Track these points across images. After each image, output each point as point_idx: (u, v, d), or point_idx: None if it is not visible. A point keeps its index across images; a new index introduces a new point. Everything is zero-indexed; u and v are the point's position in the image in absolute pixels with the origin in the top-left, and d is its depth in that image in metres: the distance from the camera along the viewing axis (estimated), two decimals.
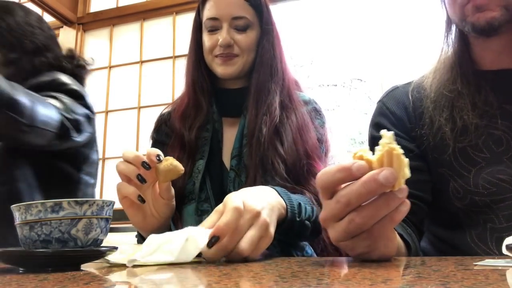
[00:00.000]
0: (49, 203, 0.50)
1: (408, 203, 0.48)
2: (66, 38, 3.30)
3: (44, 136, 1.02)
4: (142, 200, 0.72)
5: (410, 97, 0.86)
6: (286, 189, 0.85)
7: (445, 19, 0.85)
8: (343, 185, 0.48)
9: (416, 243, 0.74)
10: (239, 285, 0.35)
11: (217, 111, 1.05)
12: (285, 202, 0.73)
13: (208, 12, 1.03)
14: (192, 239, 0.55)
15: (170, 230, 0.80)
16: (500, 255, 0.51)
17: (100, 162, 2.98)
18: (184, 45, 3.01)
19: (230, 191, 0.92)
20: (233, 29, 1.01)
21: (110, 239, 0.62)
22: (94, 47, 3.32)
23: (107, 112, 3.14)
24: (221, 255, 0.57)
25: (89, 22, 3.35)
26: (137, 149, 2.98)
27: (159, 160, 0.71)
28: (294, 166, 0.95)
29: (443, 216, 0.81)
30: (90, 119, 1.19)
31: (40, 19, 1.26)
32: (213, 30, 1.02)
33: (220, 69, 1.01)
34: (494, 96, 0.76)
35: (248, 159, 0.96)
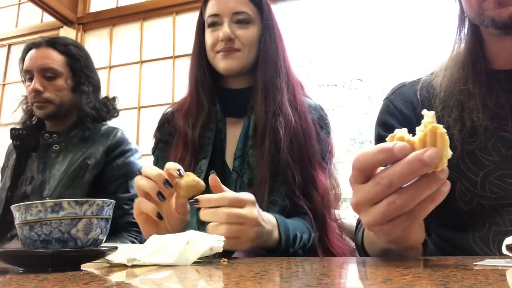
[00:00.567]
0: (49, 203, 0.50)
1: (448, 183, 0.47)
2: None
3: None
4: (160, 217, 0.72)
5: (419, 96, 0.84)
6: (286, 211, 0.91)
7: (458, 14, 0.82)
8: (381, 168, 0.47)
9: (428, 242, 0.74)
10: (239, 285, 0.35)
11: (220, 111, 1.05)
12: (280, 235, 0.79)
13: (209, 10, 1.03)
14: (193, 243, 0.55)
15: None
16: (500, 255, 0.50)
17: None
18: (184, 45, 3.01)
19: (235, 191, 0.93)
20: (234, 24, 1.01)
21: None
22: (94, 47, 3.31)
23: None
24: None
25: (89, 22, 3.35)
26: None
27: (180, 175, 0.71)
28: (298, 173, 0.95)
29: (447, 217, 0.80)
30: None
31: (90, 57, 1.54)
32: (215, 26, 1.02)
33: (222, 63, 1.01)
34: (506, 98, 0.74)
35: (256, 159, 0.96)
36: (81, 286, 0.36)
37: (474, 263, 0.45)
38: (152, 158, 1.12)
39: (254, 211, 0.71)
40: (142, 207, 0.73)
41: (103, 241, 0.56)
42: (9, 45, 3.51)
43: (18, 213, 0.52)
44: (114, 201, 0.57)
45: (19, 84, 2.53)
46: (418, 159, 0.43)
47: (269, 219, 0.78)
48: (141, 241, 1.29)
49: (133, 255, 0.54)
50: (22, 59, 1.43)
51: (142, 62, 3.17)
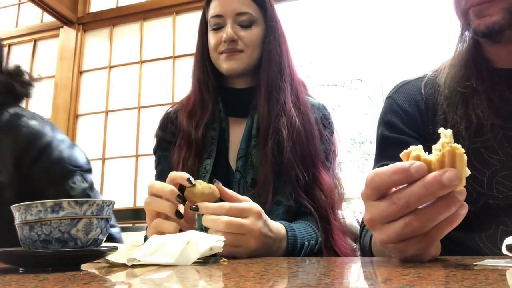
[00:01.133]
0: (49, 203, 0.50)
1: (466, 206, 0.46)
2: (66, 38, 3.30)
3: None
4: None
5: (423, 93, 0.83)
6: (292, 212, 0.91)
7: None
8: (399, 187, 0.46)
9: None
10: (239, 285, 0.35)
11: (223, 110, 1.04)
12: (288, 247, 0.79)
13: (212, 10, 1.03)
14: (193, 243, 0.55)
15: None
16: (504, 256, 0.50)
17: (100, 162, 2.98)
18: (184, 45, 3.01)
19: (238, 192, 0.93)
20: (238, 25, 1.01)
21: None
22: (94, 47, 3.32)
23: (107, 112, 3.13)
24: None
25: (89, 22, 3.35)
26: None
27: (191, 184, 0.69)
28: (302, 173, 0.95)
29: None
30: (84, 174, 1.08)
31: None
32: (218, 28, 1.02)
33: (225, 64, 1.01)
34: (509, 93, 0.74)
35: (259, 159, 0.95)
36: (81, 286, 0.36)
37: (474, 263, 0.45)
38: (153, 157, 1.11)
39: (258, 223, 0.70)
40: (164, 229, 0.69)
41: (103, 241, 0.56)
42: (9, 45, 3.51)
43: (18, 213, 0.52)
44: (115, 201, 0.57)
45: None
46: (437, 181, 0.42)
47: (278, 230, 0.77)
48: None
49: (133, 255, 0.54)
50: None
51: (142, 62, 3.17)
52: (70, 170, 1.05)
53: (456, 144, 0.44)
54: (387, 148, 0.84)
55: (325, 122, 1.06)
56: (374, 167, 0.85)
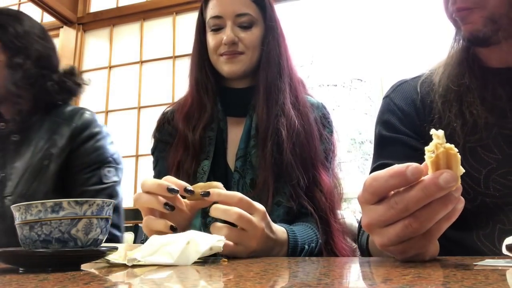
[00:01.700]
0: (49, 203, 0.50)
1: (463, 200, 0.47)
2: (66, 38, 3.30)
3: None
4: (174, 229, 0.69)
5: (419, 92, 0.84)
6: (292, 213, 0.91)
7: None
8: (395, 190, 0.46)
9: None
10: (239, 285, 0.35)
11: (221, 110, 1.04)
12: (288, 251, 0.79)
13: (211, 11, 1.02)
14: (193, 243, 0.55)
15: None
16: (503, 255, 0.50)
17: None
18: (184, 45, 3.01)
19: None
20: (237, 27, 1.00)
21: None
22: (94, 47, 3.32)
23: (107, 112, 3.14)
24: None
25: (89, 22, 3.35)
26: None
27: (190, 193, 0.68)
28: (302, 174, 0.94)
29: None
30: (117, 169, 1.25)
31: (44, 30, 1.31)
32: (217, 29, 1.01)
33: (226, 67, 1.00)
34: (503, 90, 0.74)
35: (258, 161, 0.95)
36: (81, 286, 0.36)
37: (474, 263, 0.45)
38: (151, 158, 1.11)
39: (262, 223, 0.69)
40: (153, 227, 0.69)
41: (103, 241, 0.56)
42: None
43: (18, 213, 0.52)
44: (114, 201, 0.57)
45: None
46: (434, 184, 0.42)
47: (280, 234, 0.77)
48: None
49: (133, 255, 0.54)
50: None
51: (142, 62, 3.17)
52: (108, 160, 1.20)
53: (449, 144, 0.44)
54: (385, 147, 0.85)
55: (325, 121, 1.06)
56: (372, 166, 0.85)
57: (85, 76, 1.36)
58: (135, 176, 2.94)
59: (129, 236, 2.19)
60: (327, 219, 0.95)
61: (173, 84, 3.01)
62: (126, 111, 3.11)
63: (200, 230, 0.90)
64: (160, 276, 0.45)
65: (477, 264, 0.44)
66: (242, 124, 1.02)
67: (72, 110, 1.23)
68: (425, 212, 0.45)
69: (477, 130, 0.74)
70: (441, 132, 0.45)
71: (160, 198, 0.68)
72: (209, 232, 0.67)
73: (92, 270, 0.50)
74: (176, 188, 0.67)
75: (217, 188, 0.70)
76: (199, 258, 0.56)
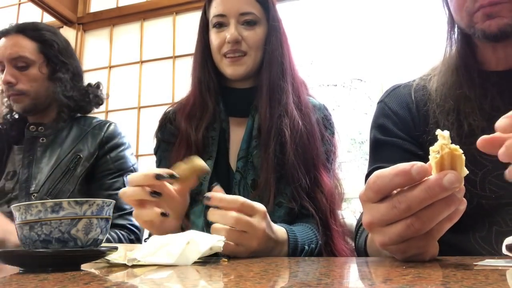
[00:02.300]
0: (49, 203, 0.50)
1: (465, 201, 0.47)
2: (66, 38, 3.30)
3: None
4: (166, 215, 0.70)
5: (413, 98, 0.84)
6: (294, 214, 0.91)
7: (447, 20, 0.83)
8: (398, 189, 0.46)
9: None
10: (239, 285, 0.35)
11: (223, 110, 1.03)
12: (289, 251, 0.80)
13: (215, 9, 1.01)
14: (193, 243, 0.55)
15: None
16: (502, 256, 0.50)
17: None
18: (184, 45, 3.01)
19: (235, 194, 0.93)
20: (241, 25, 1.00)
21: None
22: (94, 47, 3.32)
23: (107, 112, 3.13)
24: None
25: (89, 22, 3.35)
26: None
27: (174, 178, 0.69)
28: (304, 175, 0.94)
29: None
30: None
31: (70, 44, 1.46)
32: (221, 26, 1.00)
33: (229, 70, 1.00)
34: (500, 100, 0.75)
35: (260, 161, 0.94)
36: (81, 286, 0.36)
37: (474, 263, 0.45)
38: (153, 158, 1.11)
39: (263, 223, 0.70)
40: (144, 217, 0.71)
41: (103, 241, 0.56)
42: None
43: (18, 213, 0.52)
44: (114, 201, 0.57)
45: None
46: (438, 184, 0.42)
47: (281, 234, 0.77)
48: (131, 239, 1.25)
49: (133, 255, 0.54)
50: None
51: (142, 62, 3.17)
52: (130, 169, 1.34)
53: (454, 145, 0.44)
54: (381, 151, 0.85)
55: (326, 123, 1.05)
56: (369, 170, 0.85)
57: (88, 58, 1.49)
58: None
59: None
60: (327, 220, 0.95)
61: (173, 84, 3.01)
62: (126, 111, 3.11)
63: (203, 230, 0.90)
64: (160, 276, 0.45)
65: (477, 264, 0.44)
66: (244, 125, 1.01)
67: (99, 121, 1.38)
68: (427, 213, 0.44)
69: (474, 136, 0.74)
70: (446, 133, 0.44)
71: (146, 188, 0.69)
72: (210, 222, 0.68)
73: (92, 270, 0.50)
74: (163, 173, 0.68)
75: (202, 167, 0.71)
76: (199, 258, 0.56)
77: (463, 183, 0.45)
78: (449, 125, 0.76)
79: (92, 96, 1.40)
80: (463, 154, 0.44)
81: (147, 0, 3.23)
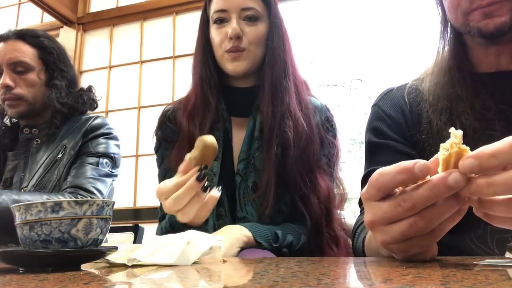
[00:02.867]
0: (49, 203, 0.50)
1: (467, 201, 0.47)
2: (66, 38, 3.30)
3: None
4: (206, 188, 0.69)
5: (407, 100, 0.84)
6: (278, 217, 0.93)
7: (440, 20, 0.83)
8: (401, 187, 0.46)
9: None
10: (239, 285, 0.35)
11: (225, 109, 1.02)
12: (253, 234, 0.83)
13: (216, 5, 1.00)
14: (193, 243, 0.55)
15: None
16: (501, 255, 0.50)
17: None
18: (184, 45, 3.01)
19: (238, 196, 0.92)
20: (242, 21, 0.98)
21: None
22: (94, 47, 3.32)
23: (107, 112, 3.13)
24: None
25: (89, 22, 3.35)
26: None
27: (205, 169, 0.68)
28: (301, 178, 0.94)
29: None
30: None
31: (67, 53, 1.49)
32: (222, 22, 0.99)
33: (230, 66, 0.98)
34: (492, 100, 0.75)
35: (262, 162, 0.93)
36: (81, 286, 0.36)
37: (474, 262, 0.45)
38: (154, 158, 1.11)
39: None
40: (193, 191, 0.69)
41: (103, 241, 0.56)
42: None
43: (18, 213, 0.52)
44: (114, 201, 0.57)
45: None
46: (443, 183, 0.42)
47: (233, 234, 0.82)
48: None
49: (133, 255, 0.54)
50: None
51: (142, 62, 3.17)
52: (109, 155, 1.35)
53: (464, 146, 0.44)
54: (375, 153, 0.85)
55: (328, 124, 1.04)
56: (364, 172, 0.85)
57: (85, 78, 1.51)
58: (135, 176, 2.93)
59: (129, 236, 2.19)
60: (319, 226, 0.94)
61: (173, 84, 3.01)
62: (126, 111, 3.11)
63: (214, 223, 0.90)
64: (160, 276, 0.45)
65: (477, 264, 0.44)
66: (245, 125, 1.00)
67: (87, 116, 1.42)
68: (431, 211, 0.44)
69: (466, 136, 0.75)
70: (459, 132, 0.44)
71: (191, 190, 0.68)
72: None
73: (92, 270, 0.50)
74: (199, 174, 0.68)
75: (213, 144, 0.69)
76: (199, 258, 0.56)
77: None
78: (441, 124, 0.76)
79: (86, 98, 1.44)
80: None
81: (147, 0, 3.23)
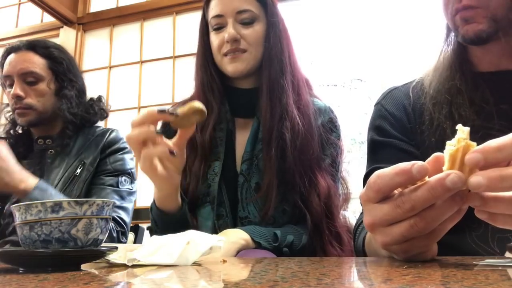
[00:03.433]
0: (49, 203, 0.50)
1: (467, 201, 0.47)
2: (66, 38, 3.30)
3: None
4: (173, 153, 0.70)
5: (411, 96, 0.85)
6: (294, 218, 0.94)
7: (445, 26, 0.84)
8: (399, 188, 0.46)
9: None
10: (239, 285, 0.35)
11: (229, 110, 1.02)
12: (250, 235, 0.84)
13: (212, 11, 1.01)
14: (193, 243, 0.55)
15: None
16: (502, 254, 0.50)
17: None
18: (184, 45, 3.01)
19: (240, 197, 0.92)
20: (239, 24, 0.99)
21: None
22: (94, 47, 3.32)
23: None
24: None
25: (89, 22, 3.35)
26: None
27: (175, 114, 0.69)
28: (301, 177, 0.94)
29: None
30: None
31: (76, 63, 1.52)
32: (219, 28, 1.00)
33: (230, 67, 0.99)
34: (491, 94, 0.76)
35: (264, 163, 0.94)
36: (81, 286, 0.36)
37: (474, 262, 0.45)
38: None
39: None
40: (152, 154, 0.71)
41: (103, 241, 0.56)
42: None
43: (18, 213, 0.52)
44: (114, 201, 0.57)
45: None
46: (441, 185, 0.42)
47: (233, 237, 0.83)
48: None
49: (133, 255, 0.54)
50: (1, 64, 1.37)
51: (142, 62, 3.17)
52: (127, 172, 1.40)
53: (471, 142, 0.44)
54: (378, 152, 0.86)
55: (332, 126, 1.04)
56: (367, 171, 0.86)
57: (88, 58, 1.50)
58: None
59: (129, 236, 2.19)
60: (320, 225, 0.94)
61: (173, 84, 3.01)
62: (126, 111, 3.11)
63: (212, 232, 0.90)
64: (160, 276, 0.45)
65: (477, 264, 0.44)
66: (249, 126, 1.00)
67: (102, 129, 1.45)
68: (431, 212, 0.45)
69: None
70: (467, 129, 0.44)
71: (151, 126, 0.69)
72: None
73: (92, 270, 0.50)
74: (164, 108, 0.69)
75: (201, 108, 0.70)
76: (199, 258, 0.56)
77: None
78: (442, 118, 0.77)
79: (97, 109, 1.48)
80: None
81: (147, 0, 3.23)
